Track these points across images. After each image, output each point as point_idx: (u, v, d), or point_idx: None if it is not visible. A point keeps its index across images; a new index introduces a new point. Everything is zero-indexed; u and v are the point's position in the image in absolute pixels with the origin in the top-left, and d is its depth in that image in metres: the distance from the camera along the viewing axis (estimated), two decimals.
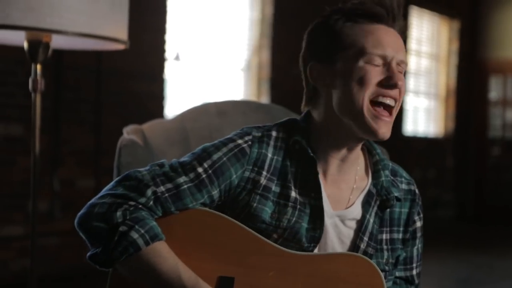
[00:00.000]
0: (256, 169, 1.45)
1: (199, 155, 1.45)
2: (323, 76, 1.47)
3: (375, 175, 1.54)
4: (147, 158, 1.90)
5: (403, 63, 1.45)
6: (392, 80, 1.41)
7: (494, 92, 9.44)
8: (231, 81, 6.25)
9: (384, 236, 1.53)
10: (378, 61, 1.42)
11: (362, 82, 1.41)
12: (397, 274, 1.58)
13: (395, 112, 1.46)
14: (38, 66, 2.14)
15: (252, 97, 6.39)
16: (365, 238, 1.49)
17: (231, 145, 1.46)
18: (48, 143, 4.70)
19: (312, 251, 1.46)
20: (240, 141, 1.47)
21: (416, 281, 1.62)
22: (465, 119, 9.36)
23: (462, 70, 9.27)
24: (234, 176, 1.44)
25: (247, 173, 1.45)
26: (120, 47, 2.18)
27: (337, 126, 1.46)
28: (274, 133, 1.50)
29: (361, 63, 1.41)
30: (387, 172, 1.55)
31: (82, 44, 2.32)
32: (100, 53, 4.86)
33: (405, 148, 8.25)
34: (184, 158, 1.45)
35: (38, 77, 2.15)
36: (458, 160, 9.40)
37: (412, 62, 8.60)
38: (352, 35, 1.44)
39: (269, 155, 1.47)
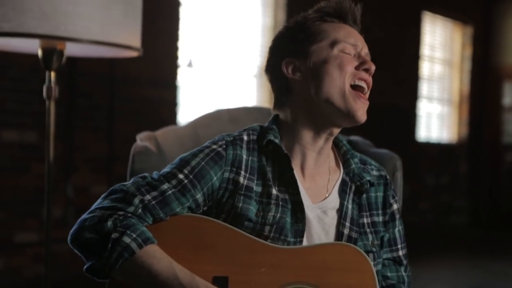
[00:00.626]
0: (234, 169, 1.52)
1: (178, 164, 1.51)
2: (298, 68, 1.56)
3: (346, 164, 1.63)
4: (160, 165, 1.91)
5: (368, 56, 1.58)
6: (366, 63, 1.54)
7: (508, 97, 9.39)
8: (243, 87, 6.25)
9: (365, 220, 1.61)
10: (350, 50, 1.55)
11: (341, 66, 1.51)
12: (384, 256, 1.65)
13: (367, 101, 1.56)
14: (52, 74, 2.16)
15: (265, 104, 6.39)
16: (347, 224, 1.56)
17: (206, 150, 1.53)
18: (62, 150, 4.72)
19: (299, 245, 1.51)
20: (214, 146, 1.54)
21: (404, 262, 1.68)
22: (478, 125, 9.31)
23: (475, 76, 9.24)
24: (215, 178, 1.50)
25: (226, 174, 1.51)
26: (134, 54, 2.19)
27: (314, 114, 1.55)
28: (245, 137, 1.57)
29: (335, 51, 1.53)
30: (356, 160, 1.64)
31: (95, 51, 2.33)
32: (113, 60, 4.88)
33: (418, 154, 8.23)
34: (164, 169, 1.52)
35: (53, 84, 2.16)
36: (471, 166, 9.35)
37: (425, 68, 8.58)
38: (324, 30, 1.57)
39: (244, 156, 1.54)
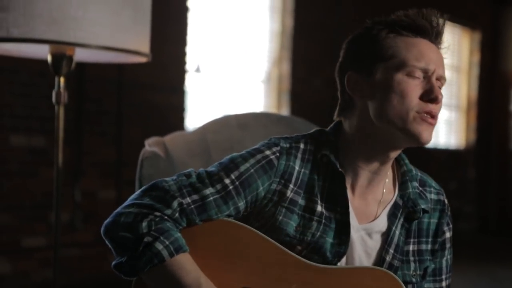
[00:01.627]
0: (283, 181, 1.45)
1: (226, 166, 1.44)
2: (360, 86, 1.46)
3: (402, 187, 1.53)
4: (169, 170, 1.91)
5: (442, 78, 1.45)
6: (433, 93, 1.41)
7: None
8: (251, 93, 6.26)
9: (411, 248, 1.52)
10: (419, 73, 1.42)
11: (402, 94, 1.40)
12: (426, 286, 1.56)
13: (436, 122, 1.45)
14: (62, 79, 2.17)
15: (272, 109, 6.39)
16: (391, 250, 1.48)
17: (259, 156, 1.45)
18: (70, 155, 4.73)
19: (336, 264, 1.45)
20: (268, 152, 1.46)
21: None
22: (486, 131, 9.29)
23: (483, 82, 9.22)
24: (261, 188, 1.43)
25: (274, 185, 1.44)
26: (142, 60, 2.20)
27: (372, 137, 1.45)
28: (302, 145, 1.49)
29: (400, 75, 1.41)
30: (414, 184, 1.54)
31: (104, 57, 2.34)
32: (121, 65, 4.89)
33: (426, 160, 8.21)
34: (211, 168, 1.45)
35: (62, 89, 2.17)
36: (479, 172, 9.32)
37: None
38: (394, 46, 1.44)
39: (297, 167, 1.46)
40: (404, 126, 1.40)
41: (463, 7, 8.73)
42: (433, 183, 1.61)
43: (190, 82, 5.71)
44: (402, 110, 1.40)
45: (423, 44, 1.45)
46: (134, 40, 2.07)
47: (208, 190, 1.40)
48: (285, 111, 6.35)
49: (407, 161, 1.57)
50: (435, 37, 1.48)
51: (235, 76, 6.08)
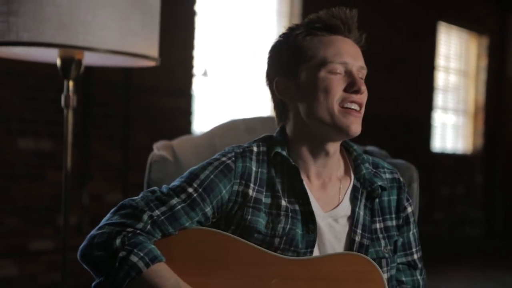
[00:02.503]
0: (243, 181, 1.51)
1: (187, 178, 1.51)
2: (289, 89, 1.55)
3: (356, 170, 1.61)
4: (177, 174, 1.91)
5: (363, 69, 1.55)
6: (355, 85, 1.50)
7: None
8: (258, 97, 6.26)
9: (378, 226, 1.59)
10: (340, 69, 1.50)
11: (326, 90, 1.49)
12: (399, 260, 1.63)
13: (361, 114, 1.52)
14: (70, 83, 2.18)
15: None
16: (358, 231, 1.55)
17: (216, 163, 1.52)
18: (77, 158, 4.75)
19: (309, 255, 1.50)
20: (224, 159, 1.53)
21: (419, 265, 1.66)
22: (494, 136, 9.27)
23: (490, 87, 9.20)
24: (224, 191, 1.50)
25: (235, 187, 1.51)
26: (151, 64, 2.21)
27: (309, 135, 1.54)
28: (255, 148, 1.56)
29: (323, 73, 1.50)
30: (367, 165, 1.62)
31: (113, 60, 2.35)
32: (128, 69, 4.91)
33: (433, 165, 8.20)
34: (174, 183, 1.52)
35: (70, 93, 2.18)
36: (487, 176, 9.30)
37: (440, 78, 8.56)
38: (313, 47, 1.53)
39: (254, 168, 1.53)
40: (331, 121, 1.49)
41: (470, 12, 8.72)
42: (385, 164, 1.68)
43: (198, 86, 5.72)
44: (328, 105, 1.49)
45: (338, 41, 1.54)
46: (143, 44, 2.07)
47: (175, 200, 1.46)
48: None
49: (355, 147, 1.65)
50: (348, 31, 1.55)
51: (242, 80, 6.08)
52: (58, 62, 2.15)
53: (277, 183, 1.53)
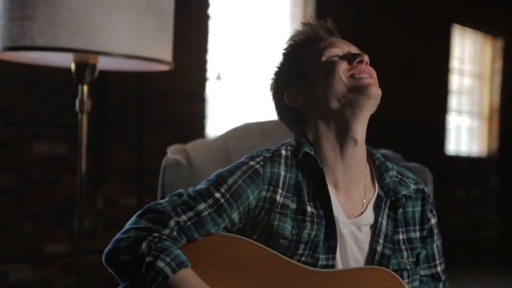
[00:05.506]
0: (271, 187, 1.49)
1: (214, 181, 1.49)
2: (300, 93, 1.58)
3: (380, 179, 1.59)
4: (191, 178, 1.92)
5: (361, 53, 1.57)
6: (358, 56, 1.52)
7: None
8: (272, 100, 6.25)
9: (401, 237, 1.57)
10: (338, 52, 1.55)
11: (331, 70, 1.52)
12: (422, 272, 1.61)
13: (375, 80, 1.53)
14: (85, 87, 2.18)
15: None
16: (381, 241, 1.53)
17: (244, 167, 1.50)
18: (92, 162, 4.77)
19: (332, 262, 1.48)
20: (252, 163, 1.50)
21: (443, 278, 1.64)
22: (509, 138, 9.22)
23: (505, 89, 9.15)
24: (252, 197, 1.48)
25: (263, 193, 1.49)
26: (165, 68, 2.21)
27: (331, 125, 1.53)
28: (283, 152, 1.54)
29: (323, 58, 1.54)
30: (391, 173, 1.60)
31: (127, 65, 2.36)
32: (143, 73, 4.93)
33: (447, 168, 8.16)
34: (200, 186, 1.50)
35: (85, 97, 2.19)
36: (502, 179, 9.24)
37: (455, 81, 8.52)
38: (308, 50, 1.59)
39: (282, 173, 1.51)
40: (346, 89, 1.50)
41: (485, 14, 8.69)
42: (410, 174, 1.66)
43: (211, 90, 5.73)
44: (338, 78, 1.50)
45: (326, 39, 1.61)
46: (157, 48, 2.08)
47: (202, 206, 1.44)
48: None
49: (378, 155, 1.63)
50: (331, 34, 1.64)
51: (256, 83, 6.09)
52: (73, 66, 2.16)
53: (303, 187, 1.51)
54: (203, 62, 5.55)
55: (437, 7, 7.81)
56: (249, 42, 6.02)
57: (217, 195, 1.46)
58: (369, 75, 1.52)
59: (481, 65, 9.04)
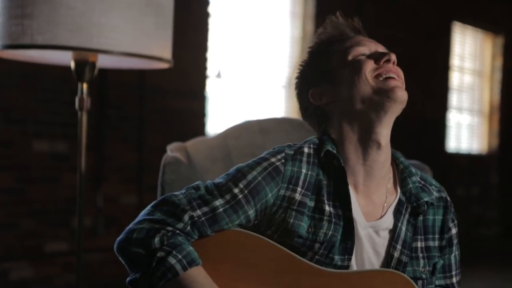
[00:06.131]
0: (291, 186, 1.47)
1: (234, 176, 1.46)
2: (325, 93, 1.55)
3: (403, 184, 1.56)
4: (190, 176, 1.92)
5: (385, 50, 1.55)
6: (385, 55, 1.49)
7: None
8: (272, 98, 6.26)
9: (419, 244, 1.54)
10: (364, 51, 1.53)
11: (358, 70, 1.49)
12: (437, 282, 1.58)
13: (402, 82, 1.50)
14: (85, 85, 2.18)
15: (293, 114, 6.39)
16: (398, 247, 1.50)
17: (265, 164, 1.47)
18: (92, 160, 4.77)
19: (347, 263, 1.46)
20: (273, 160, 1.48)
21: None
22: (509, 135, 9.21)
23: (506, 86, 9.15)
24: (270, 195, 1.45)
25: (282, 191, 1.46)
26: (164, 66, 2.21)
27: (355, 126, 1.51)
28: (306, 149, 1.52)
29: (349, 58, 1.52)
30: (414, 179, 1.57)
31: (127, 63, 2.36)
32: (143, 71, 4.92)
33: (448, 165, 8.16)
34: (219, 180, 1.47)
35: (85, 96, 2.19)
36: (502, 176, 9.24)
37: (455, 79, 8.52)
38: (334, 49, 1.57)
39: (304, 171, 1.48)
40: (372, 90, 1.47)
41: (485, 12, 8.68)
42: (433, 181, 1.64)
43: (211, 88, 5.73)
44: (363, 79, 1.48)
45: (354, 37, 1.59)
46: (157, 46, 2.08)
47: (218, 202, 1.42)
48: None
49: (402, 159, 1.60)
50: (357, 32, 1.61)
51: (256, 81, 6.09)
52: (72, 64, 2.16)
53: (324, 186, 1.48)
54: (203, 60, 5.55)
55: (437, 5, 7.80)
56: (249, 40, 6.01)
57: (236, 190, 1.43)
58: (396, 75, 1.49)
59: (482, 62, 9.03)
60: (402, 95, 1.47)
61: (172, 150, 2.02)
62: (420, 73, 7.52)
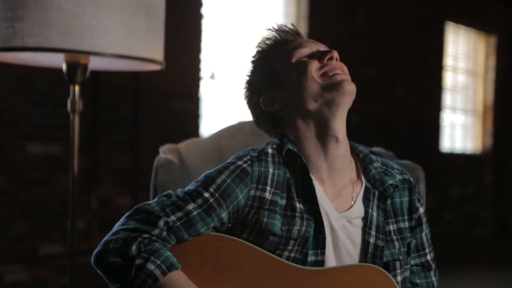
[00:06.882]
0: (260, 186, 1.49)
1: (203, 182, 1.49)
2: (276, 98, 1.58)
3: (366, 171, 1.60)
4: (183, 177, 1.92)
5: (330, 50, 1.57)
6: (327, 53, 1.53)
7: None
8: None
9: (391, 227, 1.58)
10: (307, 52, 1.56)
11: (304, 71, 1.52)
12: (413, 262, 1.62)
13: (348, 76, 1.53)
14: (77, 87, 2.18)
15: None
16: (373, 232, 1.54)
17: (232, 167, 1.50)
18: (86, 162, 4.76)
19: (321, 258, 1.49)
20: (240, 162, 1.51)
21: (433, 266, 1.65)
22: (503, 135, 9.24)
23: (499, 86, 9.17)
24: (241, 196, 1.48)
25: (252, 192, 1.49)
26: (156, 67, 2.21)
27: (313, 124, 1.54)
28: (269, 150, 1.55)
29: (293, 60, 1.55)
30: (375, 165, 1.61)
31: (119, 65, 2.35)
32: (136, 73, 4.92)
33: (442, 165, 8.17)
34: (189, 187, 1.50)
35: (77, 98, 2.18)
36: (496, 176, 9.27)
37: (449, 78, 8.54)
38: (277, 54, 1.61)
39: (270, 170, 1.51)
40: (320, 87, 1.51)
41: (478, 11, 8.70)
42: (395, 165, 1.67)
43: (205, 89, 5.73)
44: (311, 78, 1.51)
45: (293, 41, 1.62)
46: (148, 48, 2.08)
47: (191, 206, 1.44)
48: None
49: (361, 148, 1.64)
50: (298, 35, 1.65)
51: None
52: (64, 67, 2.15)
53: (292, 184, 1.51)
54: (197, 61, 5.55)
55: (430, 5, 7.81)
56: (242, 41, 6.01)
57: (206, 194, 1.46)
58: (341, 71, 1.52)
59: (475, 62, 9.06)
60: (350, 87, 1.50)
61: (165, 152, 2.02)
62: (413, 73, 7.53)
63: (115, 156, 5.06)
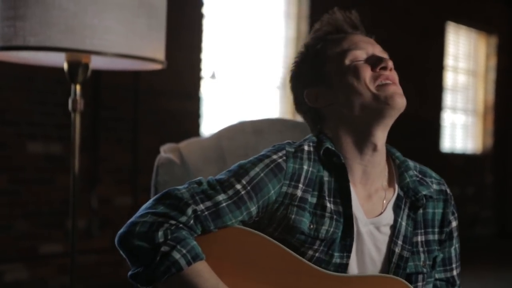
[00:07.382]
0: (293, 183, 1.47)
1: (236, 172, 1.46)
2: (321, 96, 1.55)
3: (400, 179, 1.56)
4: (184, 177, 1.92)
5: (385, 54, 1.55)
6: (381, 61, 1.49)
7: None
8: (266, 99, 6.26)
9: (419, 238, 1.54)
10: (361, 55, 1.51)
11: (356, 75, 1.48)
12: (437, 276, 1.58)
13: (400, 88, 1.50)
14: (78, 87, 2.18)
15: (288, 115, 6.40)
16: (399, 242, 1.50)
17: (267, 161, 1.47)
18: (86, 162, 4.76)
19: (346, 261, 1.46)
20: (275, 157, 1.48)
21: (457, 282, 1.62)
22: (503, 135, 9.23)
23: (500, 86, 9.17)
24: (272, 191, 1.45)
25: (284, 188, 1.46)
26: (158, 67, 2.21)
27: (354, 129, 1.51)
28: (306, 147, 1.52)
29: (347, 62, 1.50)
30: (411, 173, 1.57)
31: (120, 64, 2.35)
32: (137, 72, 4.92)
33: (443, 165, 8.16)
34: (221, 176, 1.46)
35: (78, 97, 2.18)
36: (497, 176, 9.26)
37: (449, 78, 8.53)
38: (330, 48, 1.55)
39: (305, 167, 1.49)
40: (372, 97, 1.47)
41: (479, 11, 8.70)
42: (433, 174, 1.64)
43: (206, 89, 5.73)
44: (362, 86, 1.47)
45: (350, 35, 1.57)
46: (149, 47, 2.07)
47: (221, 196, 1.42)
48: (300, 117, 6.33)
49: (398, 154, 1.61)
50: (354, 28, 1.59)
51: (250, 82, 6.09)
52: (65, 66, 2.15)
53: (325, 182, 1.49)
54: (198, 61, 5.54)
55: (431, 5, 7.81)
56: (243, 41, 6.01)
57: (238, 186, 1.43)
58: (393, 82, 1.49)
59: (476, 62, 9.05)
60: (401, 102, 1.47)
61: (166, 151, 2.01)
62: (414, 73, 7.53)
63: (116, 156, 5.07)
